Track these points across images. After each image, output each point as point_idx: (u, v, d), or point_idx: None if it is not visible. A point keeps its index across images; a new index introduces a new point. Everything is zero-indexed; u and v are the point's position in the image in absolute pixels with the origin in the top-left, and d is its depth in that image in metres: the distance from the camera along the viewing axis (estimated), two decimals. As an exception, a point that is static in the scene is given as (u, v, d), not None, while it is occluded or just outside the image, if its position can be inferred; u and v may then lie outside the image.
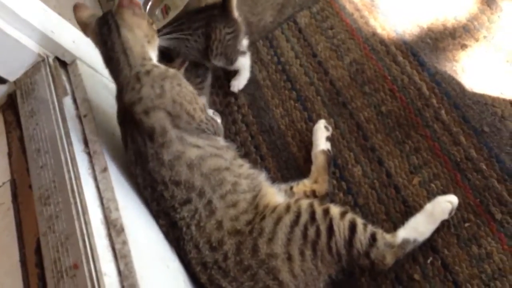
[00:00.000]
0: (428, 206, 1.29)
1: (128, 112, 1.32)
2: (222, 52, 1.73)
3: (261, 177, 1.39)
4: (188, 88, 1.38)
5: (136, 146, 1.31)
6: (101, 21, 1.38)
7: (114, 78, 1.38)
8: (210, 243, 1.23)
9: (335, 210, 1.24)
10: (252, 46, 1.91)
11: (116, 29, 1.35)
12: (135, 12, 1.37)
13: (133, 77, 1.32)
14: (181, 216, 1.26)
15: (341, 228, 1.21)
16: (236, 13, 1.73)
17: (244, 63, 1.81)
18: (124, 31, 1.35)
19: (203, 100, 1.44)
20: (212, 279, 1.23)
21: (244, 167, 1.39)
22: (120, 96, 1.35)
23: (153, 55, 1.42)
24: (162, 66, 1.39)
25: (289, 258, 1.20)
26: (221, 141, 1.44)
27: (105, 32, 1.36)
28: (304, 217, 1.22)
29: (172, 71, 1.38)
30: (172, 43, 1.62)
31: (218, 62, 1.79)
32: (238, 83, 1.83)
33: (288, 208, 1.26)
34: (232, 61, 1.77)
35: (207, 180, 1.27)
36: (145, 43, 1.38)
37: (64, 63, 1.60)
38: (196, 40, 1.70)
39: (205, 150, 1.32)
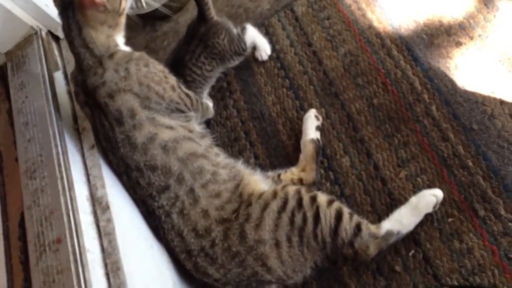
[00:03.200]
0: (413, 199, 1.30)
1: (91, 96, 1.29)
2: (232, 53, 1.70)
3: (240, 165, 1.39)
4: (156, 67, 1.36)
5: (104, 131, 1.29)
6: (62, 14, 1.33)
7: (76, 61, 1.35)
8: (196, 231, 1.23)
9: (322, 198, 1.25)
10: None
11: (77, 27, 1.30)
12: (98, 10, 1.31)
13: (96, 62, 1.30)
14: (160, 205, 1.24)
15: (327, 216, 1.22)
16: (215, 16, 1.68)
17: (252, 37, 1.76)
18: (87, 30, 1.30)
19: (174, 78, 1.42)
20: (198, 266, 1.23)
21: (221, 156, 1.38)
22: (81, 78, 1.31)
23: (120, 39, 1.39)
24: (128, 49, 1.37)
25: (277, 244, 1.21)
26: (195, 125, 1.41)
27: (65, 25, 1.33)
28: (291, 204, 1.23)
29: (137, 53, 1.36)
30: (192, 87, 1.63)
31: (237, 61, 1.77)
32: (265, 50, 1.80)
33: (275, 194, 1.26)
34: (244, 49, 1.73)
35: (184, 166, 1.25)
36: (109, 33, 1.35)
37: (56, 38, 1.59)
38: (201, 67, 1.66)
39: (178, 131, 1.31)
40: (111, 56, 1.31)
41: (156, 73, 1.34)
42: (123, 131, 1.25)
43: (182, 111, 1.38)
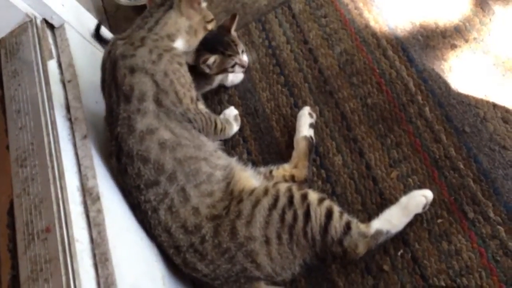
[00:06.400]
0: (403, 199, 1.30)
1: (112, 63, 1.29)
2: None
3: (233, 162, 1.38)
4: (187, 74, 1.37)
5: (110, 102, 1.29)
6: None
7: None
8: (185, 227, 1.22)
9: (313, 196, 1.25)
10: (244, 27, 1.90)
11: (168, 6, 1.40)
12: (193, 6, 1.41)
13: (140, 37, 1.33)
14: (146, 199, 1.22)
15: (317, 214, 1.22)
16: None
17: None
18: (173, 12, 1.39)
19: (196, 94, 1.41)
20: (187, 262, 1.23)
21: (222, 159, 1.36)
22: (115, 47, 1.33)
23: (180, 43, 1.41)
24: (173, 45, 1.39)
25: (267, 241, 1.21)
26: (204, 138, 1.38)
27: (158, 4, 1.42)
28: (282, 201, 1.23)
29: (180, 51, 1.38)
30: None
31: None
32: None
33: (266, 191, 1.26)
34: None
35: (180, 166, 1.23)
36: (182, 31, 1.40)
37: (51, 26, 1.57)
38: None
39: (179, 139, 1.27)
40: (155, 40, 1.33)
41: (184, 76, 1.34)
42: (127, 110, 1.24)
43: (196, 127, 1.36)
